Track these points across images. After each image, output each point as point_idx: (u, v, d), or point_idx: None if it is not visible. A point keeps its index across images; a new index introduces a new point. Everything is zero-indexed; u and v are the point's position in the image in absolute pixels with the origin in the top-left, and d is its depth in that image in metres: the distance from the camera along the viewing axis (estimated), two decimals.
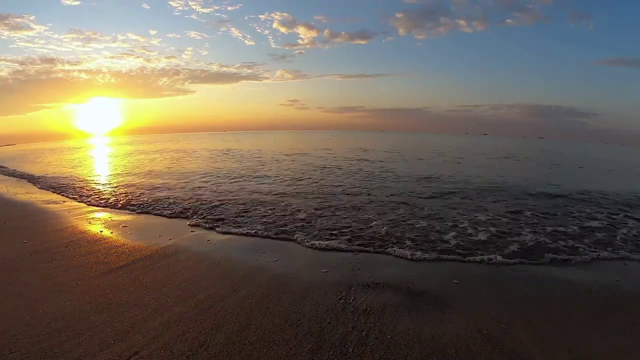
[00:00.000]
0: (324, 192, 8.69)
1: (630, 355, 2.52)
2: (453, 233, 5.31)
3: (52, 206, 7.66)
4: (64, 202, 8.22)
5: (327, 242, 4.87)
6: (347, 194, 8.36)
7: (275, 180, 10.73)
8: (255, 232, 5.39)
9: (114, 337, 2.65)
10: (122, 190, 9.42)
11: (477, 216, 6.34)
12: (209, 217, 6.36)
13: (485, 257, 4.34)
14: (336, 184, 9.98)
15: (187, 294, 3.37)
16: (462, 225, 5.72)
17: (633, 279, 3.90)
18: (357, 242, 4.89)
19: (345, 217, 6.23)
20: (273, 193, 8.61)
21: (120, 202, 7.81)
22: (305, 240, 4.96)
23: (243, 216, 6.39)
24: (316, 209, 6.81)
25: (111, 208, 7.45)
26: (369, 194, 8.37)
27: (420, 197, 8.07)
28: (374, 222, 5.87)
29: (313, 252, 4.62)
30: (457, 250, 4.59)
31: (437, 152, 24.87)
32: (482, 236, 5.20)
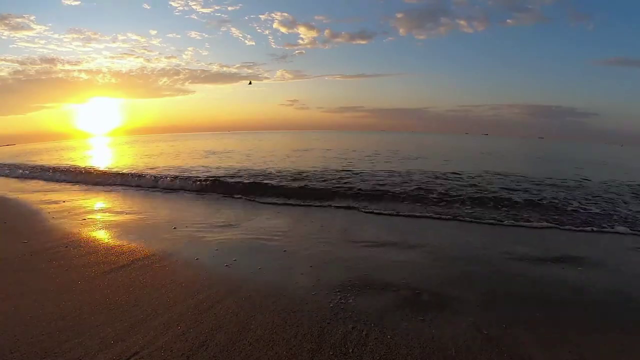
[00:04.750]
0: None
1: (631, 355, 2.52)
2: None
3: (52, 206, 7.66)
4: (64, 202, 8.22)
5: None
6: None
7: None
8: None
9: (114, 337, 2.65)
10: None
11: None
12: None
13: (487, 257, 4.34)
14: None
15: (187, 294, 3.37)
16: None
17: (632, 278, 3.91)
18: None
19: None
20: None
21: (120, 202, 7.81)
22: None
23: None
24: None
25: (111, 209, 7.44)
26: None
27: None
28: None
29: (317, 249, 4.62)
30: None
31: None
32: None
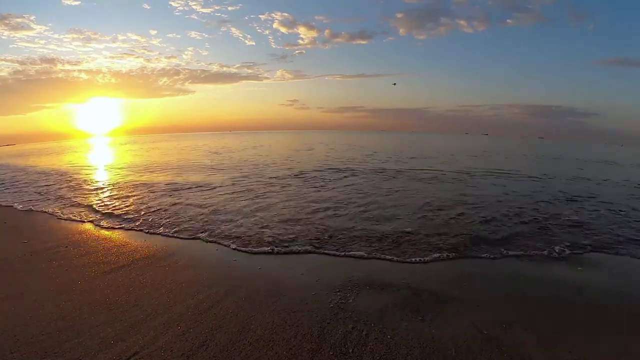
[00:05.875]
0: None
1: (630, 355, 2.52)
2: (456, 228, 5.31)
3: (52, 206, 7.65)
4: (64, 203, 8.21)
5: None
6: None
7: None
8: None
9: (114, 337, 2.65)
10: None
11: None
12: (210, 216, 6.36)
13: (487, 256, 4.33)
14: None
15: (187, 294, 3.37)
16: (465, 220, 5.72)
17: (632, 278, 3.91)
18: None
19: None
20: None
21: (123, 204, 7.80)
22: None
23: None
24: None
25: (112, 208, 7.43)
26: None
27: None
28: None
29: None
30: (458, 249, 4.58)
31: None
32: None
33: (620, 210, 6.99)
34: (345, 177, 11.13)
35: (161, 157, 19.98)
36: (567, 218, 6.28)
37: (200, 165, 14.94)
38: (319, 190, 8.75)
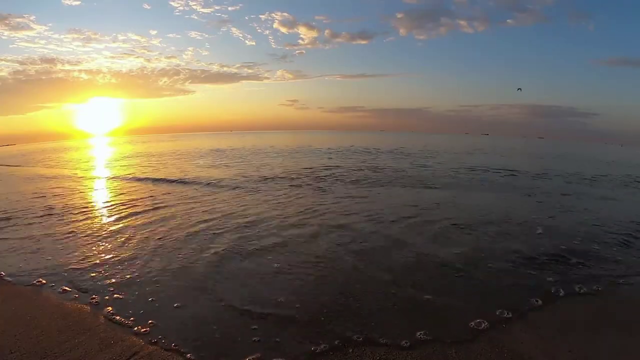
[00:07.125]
0: None
1: (630, 355, 2.51)
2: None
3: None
4: (63, 203, 8.20)
5: None
6: None
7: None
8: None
9: (114, 337, 2.65)
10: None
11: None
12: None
13: (488, 257, 4.32)
14: None
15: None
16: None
17: (631, 279, 3.89)
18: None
19: None
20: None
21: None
22: None
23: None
24: None
25: (113, 206, 7.43)
26: None
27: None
28: None
29: None
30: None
31: None
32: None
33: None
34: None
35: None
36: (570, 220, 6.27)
37: None
38: None
